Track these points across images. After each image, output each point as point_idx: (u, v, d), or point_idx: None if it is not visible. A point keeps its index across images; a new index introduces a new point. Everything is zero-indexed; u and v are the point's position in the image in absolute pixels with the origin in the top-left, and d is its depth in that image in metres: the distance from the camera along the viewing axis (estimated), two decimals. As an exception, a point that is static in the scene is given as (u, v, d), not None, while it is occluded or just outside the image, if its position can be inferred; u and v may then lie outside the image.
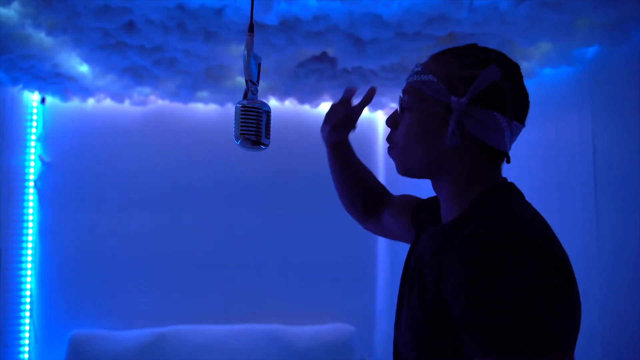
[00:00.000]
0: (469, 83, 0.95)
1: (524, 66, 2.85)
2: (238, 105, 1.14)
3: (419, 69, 1.02)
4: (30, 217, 3.53)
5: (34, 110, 3.58)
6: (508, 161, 1.01)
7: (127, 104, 3.58)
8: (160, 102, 3.64)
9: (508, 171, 1.11)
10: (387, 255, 3.91)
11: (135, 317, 3.57)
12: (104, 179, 3.64)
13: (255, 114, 1.12)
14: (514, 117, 0.97)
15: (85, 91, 3.34)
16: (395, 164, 1.07)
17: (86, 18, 2.21)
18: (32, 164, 3.55)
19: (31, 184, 3.54)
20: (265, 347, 3.52)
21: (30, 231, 3.53)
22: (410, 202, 1.33)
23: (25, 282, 3.49)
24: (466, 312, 0.81)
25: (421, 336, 0.92)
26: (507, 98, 0.95)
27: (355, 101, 1.45)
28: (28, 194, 3.53)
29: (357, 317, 3.82)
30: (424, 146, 1.00)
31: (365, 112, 3.86)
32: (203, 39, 2.39)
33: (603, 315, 2.37)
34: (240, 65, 2.87)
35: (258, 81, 1.19)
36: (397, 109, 1.09)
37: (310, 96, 3.53)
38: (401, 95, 1.06)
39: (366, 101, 1.41)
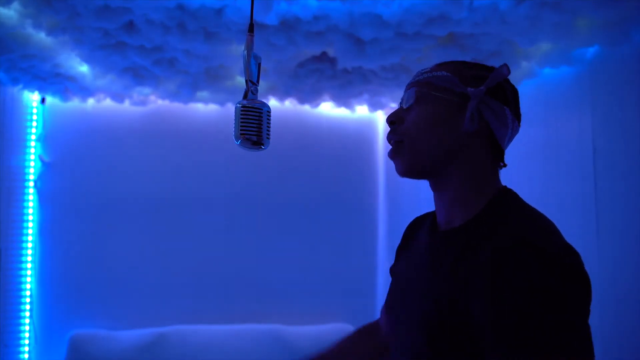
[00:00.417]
0: (481, 79, 0.99)
1: (524, 66, 2.87)
2: (238, 105, 1.15)
3: (429, 68, 1.06)
4: (30, 217, 3.53)
5: (34, 110, 3.58)
6: (504, 165, 1.05)
7: (127, 103, 3.58)
8: (160, 102, 3.65)
9: (509, 170, 1.12)
10: (387, 256, 3.92)
11: (135, 317, 3.58)
12: (104, 179, 3.65)
13: (255, 114, 1.13)
14: (515, 115, 1.02)
15: (85, 91, 3.35)
16: (401, 162, 1.05)
17: (86, 18, 2.22)
18: (32, 164, 3.55)
19: (31, 184, 3.54)
20: (266, 347, 3.53)
21: (30, 231, 3.53)
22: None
23: (25, 282, 3.49)
24: (495, 314, 0.82)
25: (433, 328, 0.92)
26: (510, 97, 1.01)
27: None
28: (28, 194, 3.54)
29: (357, 317, 3.80)
30: (439, 132, 1.00)
31: (365, 112, 3.88)
32: (203, 39, 2.39)
33: (603, 314, 2.38)
34: (240, 65, 2.88)
35: (258, 81, 1.20)
36: (399, 107, 1.09)
37: (310, 96, 3.53)
38: (410, 87, 1.08)
39: None
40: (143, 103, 3.59)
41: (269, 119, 1.15)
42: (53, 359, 3.46)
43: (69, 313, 3.54)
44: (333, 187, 3.93)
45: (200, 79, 3.06)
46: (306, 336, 3.61)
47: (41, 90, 3.36)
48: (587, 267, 0.92)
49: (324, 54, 2.76)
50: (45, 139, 3.58)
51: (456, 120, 0.98)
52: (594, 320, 0.93)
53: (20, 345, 3.43)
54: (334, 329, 3.66)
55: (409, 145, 1.03)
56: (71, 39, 2.48)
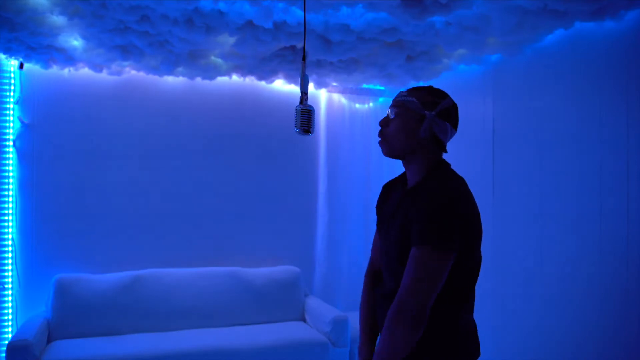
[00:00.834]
0: (435, 104, 1.66)
1: (445, 62, 3.67)
2: (298, 107, 1.79)
3: (405, 93, 1.71)
4: (11, 174, 3.85)
5: (12, 75, 3.86)
6: (445, 150, 1.72)
7: (104, 73, 3.95)
8: (133, 72, 4.05)
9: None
10: (326, 211, 4.66)
11: (113, 262, 4.04)
12: (80, 138, 4.01)
13: (307, 114, 1.78)
14: (454, 127, 1.71)
15: (70, 61, 3.67)
16: (383, 149, 1.74)
17: (111, 11, 2.67)
18: (11, 124, 3.85)
19: (10, 143, 3.84)
20: (227, 285, 4.13)
21: (10, 186, 3.85)
22: (375, 243, 1.92)
23: (7, 233, 3.84)
24: (416, 225, 1.53)
25: (399, 240, 1.62)
26: (452, 116, 1.69)
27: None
28: (8, 152, 3.84)
29: (301, 260, 4.57)
30: (405, 136, 1.67)
31: (312, 89, 4.55)
32: (204, 32, 2.92)
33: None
34: (218, 48, 3.42)
35: (307, 91, 1.83)
36: (387, 115, 1.75)
37: (267, 74, 4.11)
38: (393, 106, 1.73)
39: None
40: (118, 73, 3.99)
41: (314, 116, 1.80)
42: (40, 300, 3.86)
43: (53, 260, 3.93)
44: (282, 150, 4.57)
45: (182, 57, 3.54)
46: (260, 276, 4.26)
47: (27, 58, 3.61)
48: (484, 222, 1.65)
49: (293, 46, 3.38)
50: (23, 102, 3.87)
51: (417, 129, 1.65)
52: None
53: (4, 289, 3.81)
54: (283, 270, 4.35)
55: (387, 142, 1.71)
56: (86, 23, 2.89)
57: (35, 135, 3.90)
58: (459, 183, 1.62)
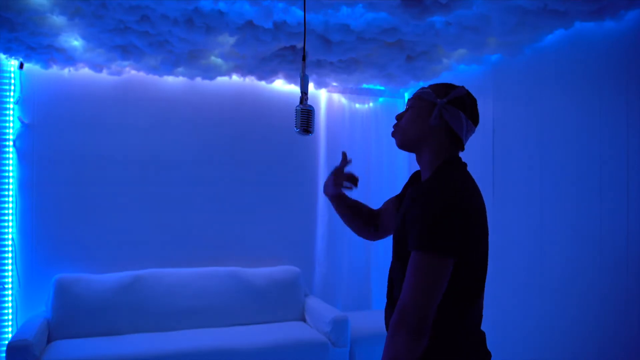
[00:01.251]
0: (448, 94, 1.62)
1: (445, 62, 3.67)
2: (298, 107, 1.79)
3: (426, 87, 1.67)
4: (10, 174, 3.85)
5: (12, 75, 3.86)
6: (463, 148, 1.67)
7: (104, 73, 3.95)
8: (133, 72, 4.05)
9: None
10: (326, 211, 4.66)
11: (113, 262, 4.04)
12: (80, 138, 4.01)
13: (307, 113, 1.78)
14: (469, 118, 1.63)
15: (70, 61, 3.67)
16: (396, 141, 1.70)
17: (111, 11, 2.67)
18: (11, 124, 3.85)
19: (10, 143, 3.85)
20: (227, 285, 4.13)
21: (10, 186, 3.86)
22: (389, 201, 1.97)
23: (7, 233, 3.84)
24: (413, 227, 1.47)
25: (400, 240, 1.58)
26: (466, 105, 1.63)
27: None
28: (8, 152, 3.85)
29: (301, 260, 4.56)
30: (416, 126, 1.63)
31: (312, 89, 4.56)
32: (204, 32, 2.92)
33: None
34: (218, 48, 3.42)
35: (307, 91, 1.83)
36: (403, 111, 1.72)
37: (267, 74, 4.12)
38: (409, 99, 1.70)
39: (342, 164, 2.06)
40: (118, 73, 3.99)
41: (314, 116, 1.80)
42: (40, 299, 3.86)
43: (52, 260, 3.92)
44: (281, 151, 4.57)
45: (182, 57, 3.55)
46: (260, 276, 4.26)
47: (27, 58, 3.61)
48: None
49: (293, 46, 3.39)
50: (23, 102, 3.87)
51: (427, 118, 1.61)
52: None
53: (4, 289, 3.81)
54: (283, 270, 4.35)
55: (400, 133, 1.68)
56: (86, 23, 2.89)
57: (35, 135, 3.90)
58: (466, 184, 1.53)
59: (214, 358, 3.45)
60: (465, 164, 1.64)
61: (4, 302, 3.81)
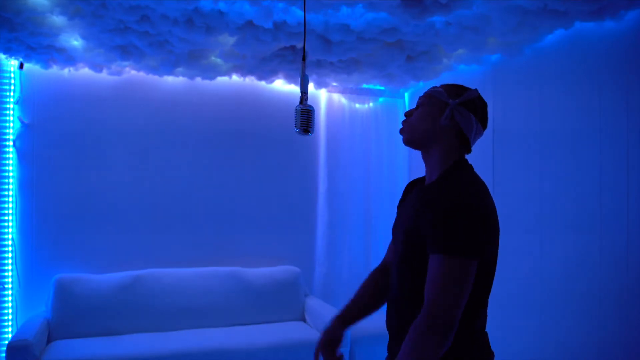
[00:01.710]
0: (460, 95, 1.61)
1: (445, 62, 3.67)
2: (298, 107, 1.79)
3: (438, 86, 1.67)
4: (10, 174, 3.85)
5: (12, 75, 3.86)
6: (470, 151, 1.66)
7: (104, 73, 3.95)
8: (133, 72, 4.05)
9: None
10: (326, 211, 4.66)
11: (113, 262, 4.04)
12: (80, 138, 4.01)
13: (307, 113, 1.78)
14: (479, 121, 1.63)
15: (70, 61, 3.67)
16: (403, 137, 1.68)
17: (111, 10, 2.67)
18: (11, 124, 3.85)
19: (10, 143, 3.85)
20: (227, 285, 4.13)
21: (10, 186, 3.85)
22: (390, 247, 1.84)
23: (7, 233, 3.84)
24: (429, 230, 1.46)
25: (407, 242, 1.58)
26: (477, 109, 1.62)
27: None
28: (8, 152, 3.84)
29: (301, 261, 4.56)
30: (427, 124, 1.62)
31: (312, 89, 4.55)
32: (204, 32, 2.92)
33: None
34: (218, 48, 3.42)
35: (307, 91, 1.83)
36: (413, 108, 1.70)
37: (267, 74, 4.12)
38: (420, 97, 1.69)
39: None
40: (118, 73, 3.99)
41: (314, 116, 1.80)
42: (40, 299, 3.86)
43: (52, 260, 3.92)
44: (281, 151, 4.57)
45: (182, 57, 3.54)
46: (260, 276, 4.26)
47: (27, 58, 3.61)
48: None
49: (293, 46, 3.38)
50: (23, 102, 3.87)
51: (438, 117, 1.59)
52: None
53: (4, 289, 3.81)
54: (283, 270, 4.35)
55: (409, 130, 1.66)
56: (86, 23, 2.89)
57: (35, 135, 3.90)
58: (479, 185, 1.53)
59: (214, 358, 3.45)
60: (472, 166, 1.63)
61: (4, 302, 3.81)
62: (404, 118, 1.69)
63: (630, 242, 2.58)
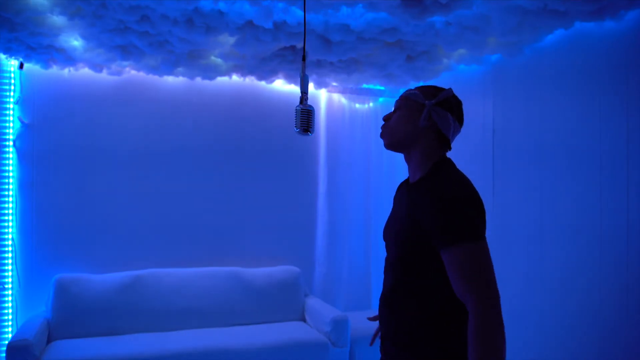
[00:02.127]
0: (435, 96, 1.65)
1: (445, 62, 3.67)
2: (298, 107, 1.79)
3: (413, 89, 1.71)
4: (10, 174, 3.85)
5: (12, 75, 3.86)
6: (450, 148, 1.70)
7: (104, 73, 3.95)
8: (133, 72, 4.05)
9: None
10: (326, 211, 4.66)
11: (113, 262, 4.04)
12: (80, 138, 4.01)
13: (307, 113, 1.78)
14: (456, 119, 1.68)
15: (70, 61, 3.67)
16: (384, 142, 1.72)
17: (112, 11, 2.67)
18: (11, 124, 3.85)
19: (10, 143, 3.85)
20: (227, 285, 4.13)
21: (10, 186, 3.85)
22: None
23: (7, 233, 3.84)
24: (434, 224, 1.49)
25: (402, 241, 1.61)
26: (453, 107, 1.66)
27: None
28: (7, 152, 3.84)
29: (301, 261, 4.56)
30: (406, 127, 1.65)
31: (312, 89, 4.55)
32: (204, 32, 2.92)
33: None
34: (218, 48, 3.42)
35: (307, 91, 1.83)
36: (391, 112, 1.75)
37: (267, 74, 4.12)
38: (396, 101, 1.72)
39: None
40: (118, 73, 3.99)
41: (314, 116, 1.80)
42: (40, 299, 3.86)
43: (52, 260, 3.92)
44: (282, 150, 4.57)
45: (182, 57, 3.54)
46: (260, 276, 4.26)
47: (27, 58, 3.60)
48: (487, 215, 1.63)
49: (293, 46, 3.38)
50: (23, 102, 3.87)
51: (417, 119, 1.64)
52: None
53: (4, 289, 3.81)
54: (283, 270, 4.35)
55: (388, 133, 1.70)
56: (86, 23, 2.89)
57: (35, 135, 3.90)
58: (464, 177, 1.58)
59: (214, 358, 3.45)
60: (454, 163, 1.68)
61: (4, 302, 3.81)
62: (383, 122, 1.72)
63: (630, 242, 2.58)
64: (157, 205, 4.19)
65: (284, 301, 4.22)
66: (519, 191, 3.29)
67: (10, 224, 3.86)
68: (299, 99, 1.91)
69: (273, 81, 4.38)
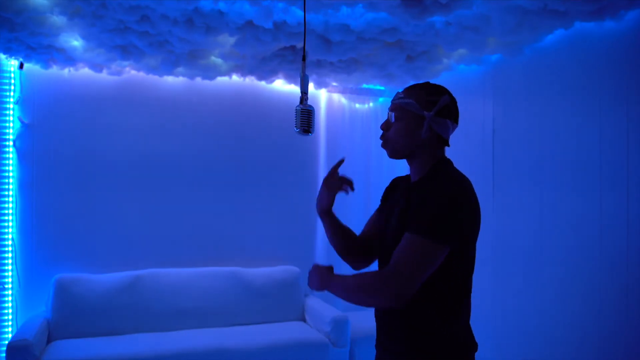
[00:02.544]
0: (434, 103, 1.65)
1: (445, 62, 3.67)
2: (298, 107, 1.79)
3: (402, 95, 1.70)
4: (10, 174, 3.85)
5: (12, 75, 3.85)
6: (448, 145, 1.72)
7: (104, 73, 3.95)
8: (133, 72, 4.05)
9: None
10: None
11: (113, 262, 4.04)
12: (81, 138, 4.01)
13: (307, 113, 1.78)
14: (454, 122, 1.70)
15: (70, 61, 3.67)
16: (387, 152, 1.75)
17: (112, 11, 2.67)
18: (11, 124, 3.85)
19: (10, 143, 3.84)
20: (227, 285, 4.13)
21: (10, 186, 3.85)
22: (373, 220, 2.06)
23: (7, 233, 3.84)
24: (415, 211, 1.52)
25: (397, 230, 1.61)
26: (451, 112, 1.68)
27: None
28: (8, 152, 3.84)
29: (301, 260, 4.56)
30: (407, 139, 1.67)
31: (312, 89, 4.55)
32: (204, 32, 2.92)
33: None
34: (218, 48, 3.42)
35: (307, 91, 1.83)
36: (387, 118, 1.74)
37: (267, 74, 4.12)
38: (391, 109, 1.72)
39: (336, 166, 2.05)
40: (118, 73, 3.99)
41: (314, 116, 1.80)
42: (40, 300, 3.86)
43: (52, 260, 3.92)
44: (281, 151, 4.57)
45: (182, 57, 3.54)
46: (260, 276, 4.26)
47: (27, 58, 3.60)
48: (484, 221, 1.65)
49: (293, 46, 3.38)
50: (23, 102, 3.87)
51: (417, 130, 1.65)
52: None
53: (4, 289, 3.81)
54: (283, 270, 4.36)
55: (390, 145, 1.72)
56: (86, 23, 2.89)
57: (35, 135, 3.90)
58: (463, 179, 1.60)
59: (214, 358, 3.45)
60: (452, 162, 1.71)
61: (4, 302, 3.81)
62: (382, 131, 1.74)
63: (630, 242, 2.58)
64: (157, 205, 4.19)
65: (283, 301, 4.22)
66: (519, 191, 3.29)
67: (10, 224, 3.86)
68: (299, 99, 1.92)
69: (273, 81, 4.38)
